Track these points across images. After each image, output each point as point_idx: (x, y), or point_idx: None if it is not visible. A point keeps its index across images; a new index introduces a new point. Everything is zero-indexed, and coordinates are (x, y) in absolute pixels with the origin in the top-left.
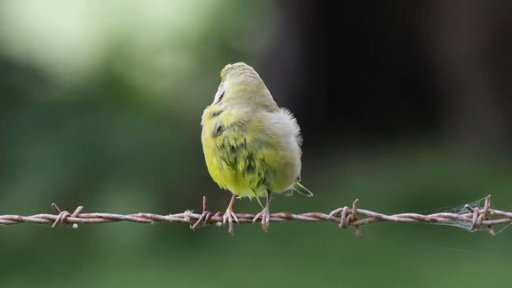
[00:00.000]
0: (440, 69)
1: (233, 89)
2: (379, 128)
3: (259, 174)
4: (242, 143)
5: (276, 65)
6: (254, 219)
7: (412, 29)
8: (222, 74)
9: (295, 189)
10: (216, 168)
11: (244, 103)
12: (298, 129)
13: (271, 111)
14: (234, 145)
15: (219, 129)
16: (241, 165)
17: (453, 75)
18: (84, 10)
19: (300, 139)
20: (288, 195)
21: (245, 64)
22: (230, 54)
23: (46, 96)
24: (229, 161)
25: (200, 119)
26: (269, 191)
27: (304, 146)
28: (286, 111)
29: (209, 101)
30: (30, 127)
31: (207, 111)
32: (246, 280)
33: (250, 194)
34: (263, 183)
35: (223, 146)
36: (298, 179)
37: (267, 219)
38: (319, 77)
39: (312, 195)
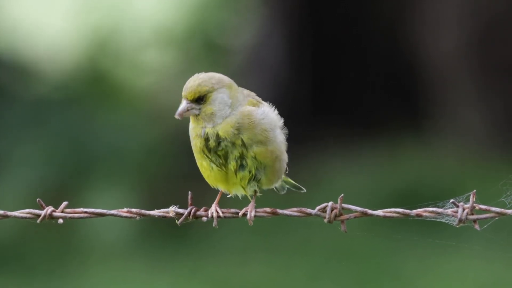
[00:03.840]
0: (425, 65)
1: (233, 95)
2: (364, 124)
3: (250, 172)
4: (241, 144)
5: (260, 61)
6: (240, 214)
7: (397, 25)
8: (208, 89)
9: (288, 186)
10: (207, 169)
11: (238, 105)
12: (282, 120)
13: (255, 105)
14: (229, 150)
15: (219, 144)
16: (232, 165)
17: (438, 71)
18: (69, 6)
19: (285, 130)
20: (283, 193)
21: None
22: (215, 50)
23: (31, 92)
24: (218, 162)
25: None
26: (259, 188)
27: (289, 142)
28: (269, 104)
29: None
30: (15, 124)
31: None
32: (231, 275)
33: (240, 192)
34: (253, 180)
35: (215, 151)
36: (286, 170)
37: (253, 214)
38: (303, 73)
39: (305, 190)
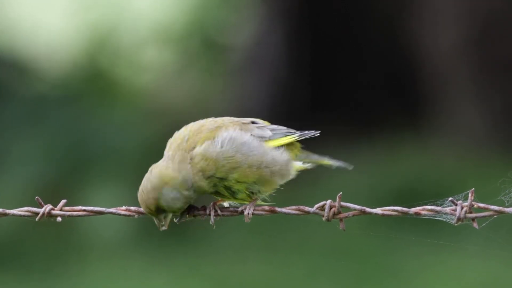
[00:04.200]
0: (424, 63)
1: (174, 182)
2: (362, 122)
3: (245, 192)
4: (218, 180)
5: (259, 59)
6: (239, 210)
7: (395, 23)
8: (154, 205)
9: (333, 164)
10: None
11: (187, 172)
12: (248, 134)
13: (208, 138)
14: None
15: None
16: (226, 195)
17: (437, 69)
18: (67, 4)
19: (257, 137)
20: (337, 165)
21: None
22: (213, 48)
23: (29, 90)
24: (214, 193)
25: (183, 112)
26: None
27: None
28: (233, 126)
29: (192, 95)
30: (14, 121)
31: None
32: (229, 273)
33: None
34: (253, 194)
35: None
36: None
37: (251, 211)
38: (302, 71)
39: (352, 167)
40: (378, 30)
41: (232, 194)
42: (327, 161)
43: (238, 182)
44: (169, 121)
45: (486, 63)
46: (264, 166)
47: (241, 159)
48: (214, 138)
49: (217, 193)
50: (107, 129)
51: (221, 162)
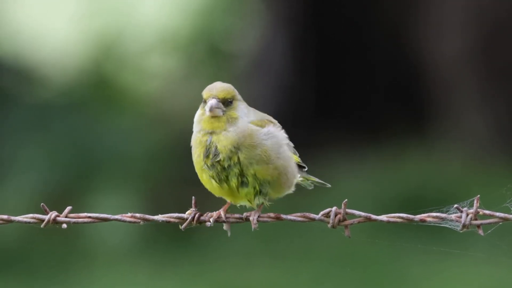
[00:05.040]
0: (429, 69)
1: (248, 109)
2: (367, 129)
3: (254, 188)
4: (236, 162)
5: (265, 66)
6: (244, 217)
7: (401, 30)
8: (235, 95)
9: (311, 183)
10: (208, 183)
11: (245, 121)
12: (287, 138)
13: (261, 126)
14: (226, 166)
15: (215, 155)
16: (233, 182)
17: (442, 76)
18: (73, 11)
19: (290, 144)
20: (310, 188)
21: None
22: (219, 55)
23: (35, 96)
24: (219, 179)
25: (188, 119)
26: (266, 200)
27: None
28: (276, 125)
29: (198, 102)
30: (19, 128)
31: (201, 134)
32: (234, 279)
33: (247, 204)
34: (259, 194)
35: (213, 165)
36: (304, 168)
37: (256, 218)
38: (307, 78)
39: (329, 186)
40: (384, 36)
41: (241, 184)
42: (312, 178)
43: (255, 176)
44: (175, 128)
45: (492, 69)
46: (284, 174)
47: (273, 158)
48: (263, 127)
49: (224, 176)
50: (113, 135)
51: (257, 151)
